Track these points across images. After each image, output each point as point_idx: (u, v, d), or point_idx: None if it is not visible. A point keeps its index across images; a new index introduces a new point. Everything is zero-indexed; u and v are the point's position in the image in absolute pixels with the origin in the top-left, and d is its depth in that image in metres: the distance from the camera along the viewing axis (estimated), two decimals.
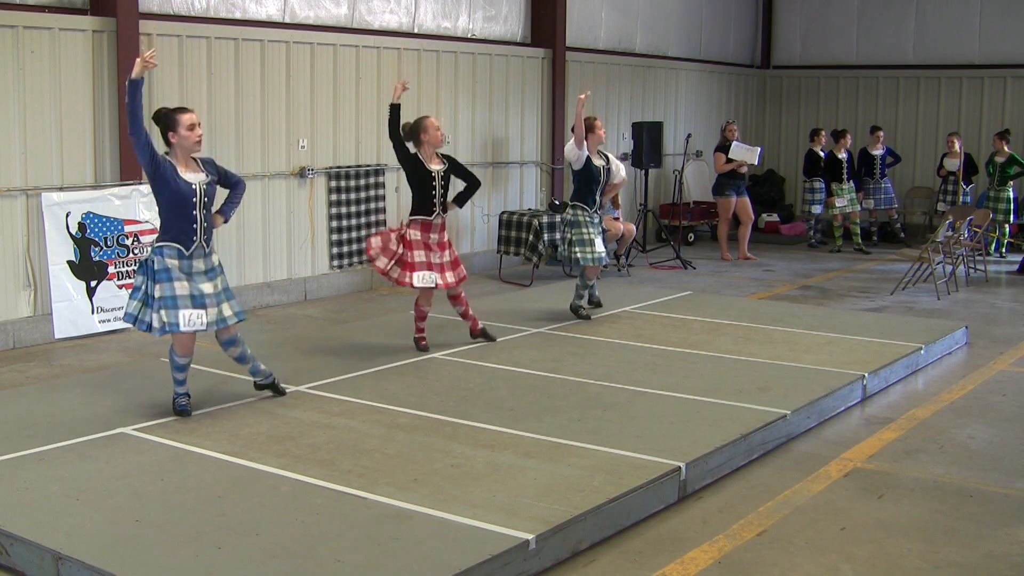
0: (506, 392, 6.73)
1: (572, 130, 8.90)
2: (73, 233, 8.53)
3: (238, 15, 10.02)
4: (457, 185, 7.81)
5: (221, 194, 6.27)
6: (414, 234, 7.52)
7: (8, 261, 8.35)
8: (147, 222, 8.95)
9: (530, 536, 4.39)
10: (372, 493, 4.91)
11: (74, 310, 8.57)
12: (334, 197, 10.77)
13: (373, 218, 11.19)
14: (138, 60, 5.73)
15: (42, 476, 5.14)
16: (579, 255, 8.75)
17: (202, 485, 5.07)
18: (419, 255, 7.49)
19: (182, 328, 5.87)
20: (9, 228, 8.33)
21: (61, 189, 8.54)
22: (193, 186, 5.90)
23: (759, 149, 13.85)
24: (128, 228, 8.87)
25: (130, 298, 6.01)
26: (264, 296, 10.15)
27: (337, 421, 6.05)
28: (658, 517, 5.04)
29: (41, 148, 8.47)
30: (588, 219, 8.78)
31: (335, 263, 10.88)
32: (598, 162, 8.77)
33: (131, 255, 8.89)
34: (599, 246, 8.78)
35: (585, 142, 8.61)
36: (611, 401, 6.53)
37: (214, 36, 9.59)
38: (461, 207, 7.93)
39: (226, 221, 6.33)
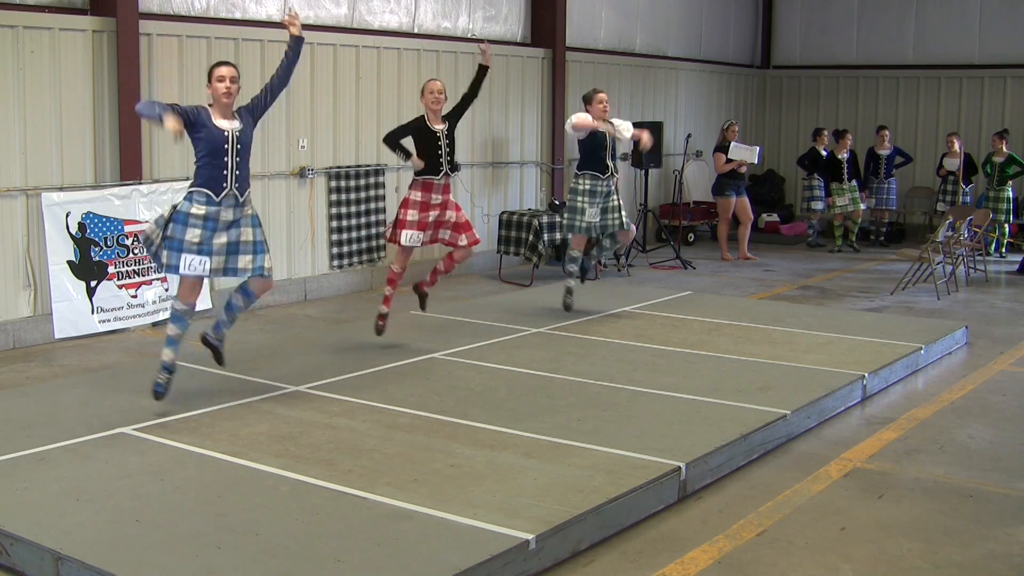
0: (506, 392, 6.73)
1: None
2: (73, 233, 8.52)
3: (238, 15, 10.02)
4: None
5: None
6: (414, 194, 7.60)
7: (8, 261, 8.35)
8: (147, 222, 8.92)
9: (530, 536, 4.39)
10: (372, 493, 4.90)
11: (74, 310, 8.57)
12: (334, 197, 10.78)
13: (373, 218, 11.18)
14: (175, 128, 5.83)
15: (42, 476, 5.14)
16: (566, 222, 8.84)
17: (202, 485, 5.07)
18: (412, 213, 7.57)
19: (181, 271, 6.01)
20: (9, 228, 8.33)
21: (61, 189, 8.54)
22: (225, 133, 6.05)
23: (758, 148, 13.86)
24: (128, 228, 8.86)
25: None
26: (264, 296, 10.13)
27: (337, 421, 6.05)
28: (658, 517, 5.04)
29: (41, 148, 8.47)
30: (588, 188, 8.76)
31: (335, 263, 10.88)
32: (602, 127, 8.78)
33: (131, 255, 8.89)
34: (587, 216, 8.75)
35: (587, 113, 8.71)
36: (611, 401, 6.53)
37: (214, 36, 9.59)
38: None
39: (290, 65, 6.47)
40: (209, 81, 6.13)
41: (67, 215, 8.49)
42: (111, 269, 8.76)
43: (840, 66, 17.12)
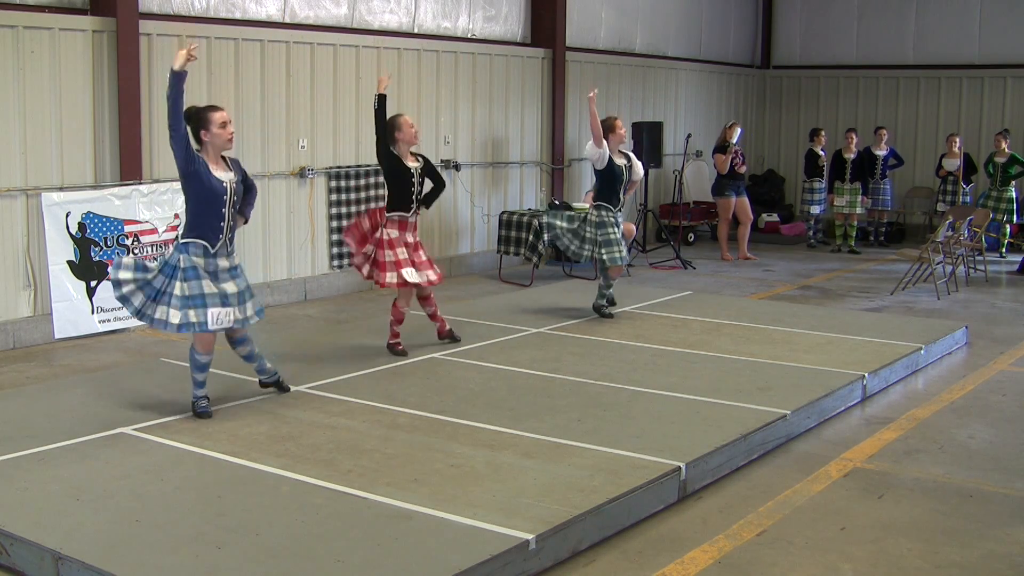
0: (506, 392, 6.73)
1: (591, 128, 8.87)
2: (73, 233, 8.52)
3: (238, 15, 10.02)
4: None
5: None
6: (392, 233, 7.53)
7: (8, 261, 8.35)
8: (147, 222, 8.96)
9: (530, 536, 4.39)
10: (372, 493, 4.91)
11: (74, 310, 8.56)
12: (334, 197, 10.78)
13: None
14: (181, 52, 5.72)
15: (42, 476, 5.14)
16: (606, 256, 8.75)
17: (202, 485, 5.07)
18: (401, 252, 7.51)
19: (210, 327, 5.89)
20: (9, 228, 8.33)
21: (61, 189, 8.54)
22: (224, 184, 5.95)
23: (739, 130, 13.66)
24: (128, 228, 8.87)
25: (136, 289, 5.91)
26: (264, 296, 10.14)
27: (337, 421, 6.05)
28: (658, 517, 5.04)
29: (41, 148, 8.47)
30: (613, 219, 8.80)
31: (335, 263, 10.88)
32: (620, 161, 8.77)
33: (131, 255, 8.89)
34: (624, 246, 8.82)
35: (606, 142, 8.66)
36: (611, 401, 6.53)
37: (214, 36, 9.59)
38: (427, 208, 7.89)
39: (246, 222, 6.37)
40: (205, 127, 5.88)
41: (67, 215, 8.49)
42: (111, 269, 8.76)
43: (840, 66, 17.12)
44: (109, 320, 8.78)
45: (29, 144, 8.39)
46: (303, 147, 10.46)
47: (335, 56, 10.69)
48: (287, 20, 10.44)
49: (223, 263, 6.01)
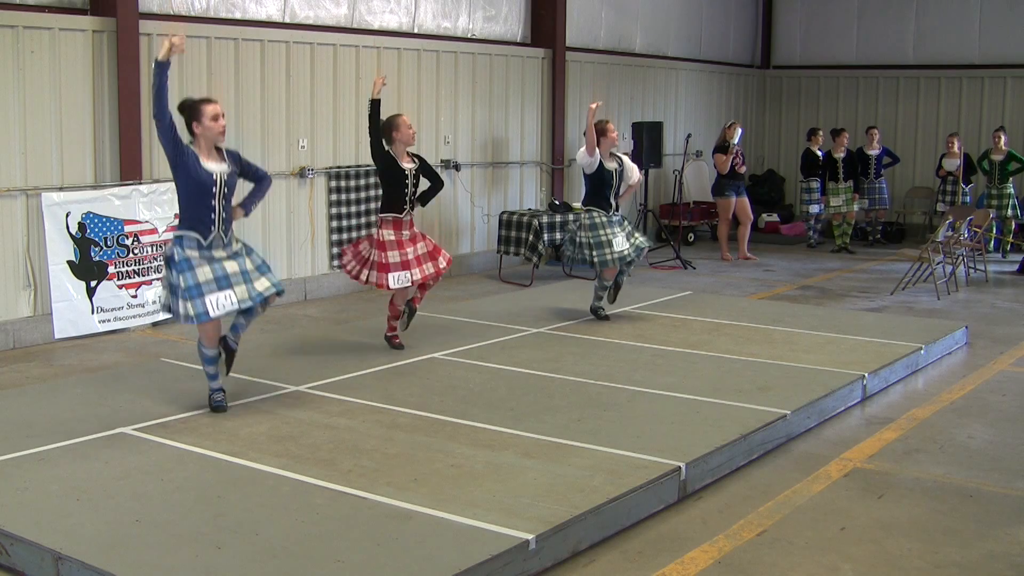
0: (506, 392, 6.73)
1: (584, 135, 8.83)
2: (73, 233, 8.52)
3: (238, 15, 10.02)
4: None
5: (243, 187, 6.27)
6: (387, 234, 7.53)
7: (8, 261, 8.35)
8: (147, 222, 8.96)
9: (530, 536, 4.39)
10: (372, 493, 4.91)
11: (74, 310, 8.57)
12: (334, 197, 10.78)
13: (373, 218, 11.18)
14: (165, 41, 5.68)
15: (42, 476, 5.14)
16: (596, 258, 8.70)
17: (202, 485, 5.07)
18: (393, 256, 7.49)
19: (211, 315, 5.83)
20: (9, 228, 8.33)
21: (61, 189, 8.54)
22: (214, 175, 5.89)
23: (739, 130, 13.65)
24: (128, 228, 8.86)
25: (165, 288, 6.02)
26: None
27: (337, 421, 6.05)
28: (658, 517, 5.04)
29: (41, 148, 8.47)
30: (605, 220, 8.72)
31: (335, 263, 10.88)
32: (611, 165, 8.70)
33: (131, 255, 8.89)
34: (617, 245, 8.71)
35: (597, 148, 8.56)
36: (611, 401, 6.53)
37: (214, 36, 9.59)
38: (424, 206, 7.91)
39: (246, 215, 6.34)
40: (197, 119, 5.84)
41: (67, 215, 8.49)
42: (111, 269, 8.76)
43: (840, 66, 17.12)
44: (109, 320, 8.79)
45: (29, 144, 8.39)
46: (303, 147, 10.46)
47: (335, 56, 10.69)
48: (287, 20, 10.45)
49: (219, 254, 5.95)
